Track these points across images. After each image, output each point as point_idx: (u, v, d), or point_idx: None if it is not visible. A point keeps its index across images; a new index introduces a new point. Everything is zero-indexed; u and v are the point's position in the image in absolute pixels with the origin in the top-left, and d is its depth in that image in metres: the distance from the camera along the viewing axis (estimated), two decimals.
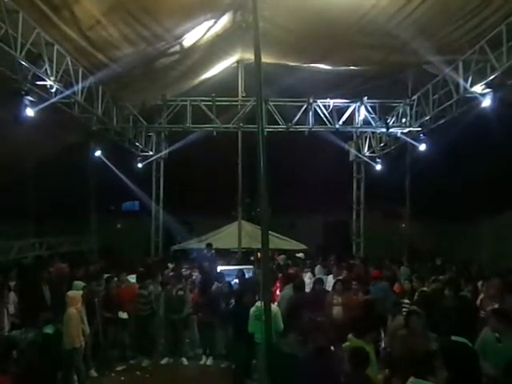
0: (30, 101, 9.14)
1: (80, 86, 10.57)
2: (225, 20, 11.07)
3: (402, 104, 14.14)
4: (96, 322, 9.89)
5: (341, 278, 10.99)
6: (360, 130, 15.58)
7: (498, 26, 8.70)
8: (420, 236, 19.91)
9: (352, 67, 13.12)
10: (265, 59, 9.11)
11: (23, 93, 8.91)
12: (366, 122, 14.62)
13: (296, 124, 14.50)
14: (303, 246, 17.22)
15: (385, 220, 22.94)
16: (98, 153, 14.82)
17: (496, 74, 9.18)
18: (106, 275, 11.28)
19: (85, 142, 15.11)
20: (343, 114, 14.44)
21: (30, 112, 9.17)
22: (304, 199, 20.05)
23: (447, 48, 10.18)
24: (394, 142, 15.86)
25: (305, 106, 14.30)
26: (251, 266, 13.33)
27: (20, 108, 8.95)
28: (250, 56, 12.30)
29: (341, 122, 14.44)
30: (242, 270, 12.33)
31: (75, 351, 8.69)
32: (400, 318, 7.62)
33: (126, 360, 10.53)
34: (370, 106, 14.46)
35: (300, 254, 16.10)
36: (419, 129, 13.79)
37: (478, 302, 8.69)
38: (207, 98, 14.43)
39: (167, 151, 17.65)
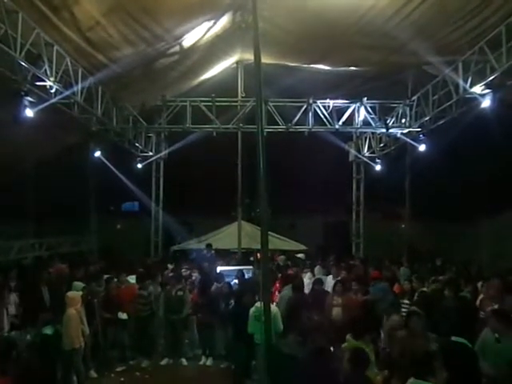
0: (30, 101, 9.14)
1: (80, 86, 10.57)
2: (224, 20, 11.07)
3: (401, 104, 14.14)
4: (95, 323, 9.89)
5: (340, 278, 10.98)
6: (360, 130, 15.58)
7: (498, 26, 8.70)
8: (420, 236, 19.90)
9: (352, 68, 13.12)
10: (264, 60, 9.12)
11: (23, 93, 8.90)
12: (365, 123, 14.61)
13: (296, 124, 14.49)
14: (303, 247, 17.22)
15: (384, 220, 22.94)
16: (97, 153, 14.81)
17: (496, 75, 9.18)
18: (105, 276, 11.29)
19: (84, 143, 15.11)
20: (343, 115, 14.43)
21: (29, 112, 9.17)
22: (304, 200, 20.07)
23: (447, 49, 10.18)
24: (394, 142, 15.86)
25: (304, 106, 14.29)
26: (251, 267, 13.32)
27: (20, 108, 8.94)
28: (249, 56, 12.31)
29: (340, 123, 14.43)
30: (241, 270, 12.34)
31: (75, 352, 8.70)
32: (395, 317, 7.63)
33: (125, 361, 10.53)
34: (370, 107, 14.46)
35: (300, 255, 16.12)
36: (419, 129, 13.79)
37: (478, 302, 8.69)
38: (207, 99, 14.43)
39: (167, 152, 17.65)
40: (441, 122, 12.58)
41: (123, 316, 10.47)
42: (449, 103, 11.42)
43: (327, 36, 10.67)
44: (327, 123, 14.44)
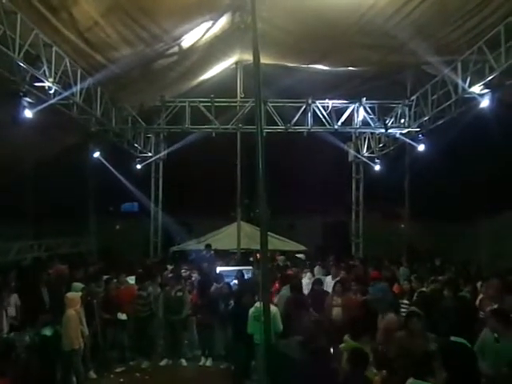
0: (29, 102, 9.14)
1: (78, 87, 10.57)
2: (223, 21, 11.08)
3: (400, 105, 14.16)
4: (95, 324, 9.87)
5: (339, 278, 10.97)
6: (359, 130, 15.61)
7: (497, 26, 8.71)
8: (419, 236, 19.90)
9: (351, 68, 13.13)
10: (263, 60, 9.11)
11: (21, 94, 8.91)
12: (364, 123, 14.62)
13: (295, 125, 14.51)
14: (302, 247, 17.21)
15: (384, 220, 22.94)
16: (96, 154, 14.81)
17: (494, 75, 9.20)
18: (105, 276, 11.28)
19: (84, 143, 15.10)
20: (342, 115, 14.45)
21: (28, 113, 9.17)
22: (303, 200, 20.08)
23: (446, 48, 10.19)
24: (393, 142, 15.88)
25: (304, 106, 14.31)
26: (250, 267, 13.32)
27: (18, 109, 8.94)
28: (248, 57, 12.34)
29: (340, 123, 14.45)
30: (241, 270, 12.33)
31: (74, 353, 8.67)
32: (391, 316, 7.62)
33: (125, 361, 10.50)
34: (369, 107, 14.47)
35: (300, 255, 16.11)
36: (418, 129, 13.81)
37: (477, 302, 8.67)
38: (206, 99, 14.44)
39: (166, 152, 17.66)
40: (440, 122, 12.60)
41: (122, 317, 10.45)
42: (448, 103, 11.43)
43: (327, 36, 10.68)
44: (326, 123, 14.46)
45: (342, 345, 6.51)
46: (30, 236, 17.81)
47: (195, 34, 10.97)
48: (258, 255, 12.77)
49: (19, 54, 8.10)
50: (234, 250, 15.91)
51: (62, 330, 8.59)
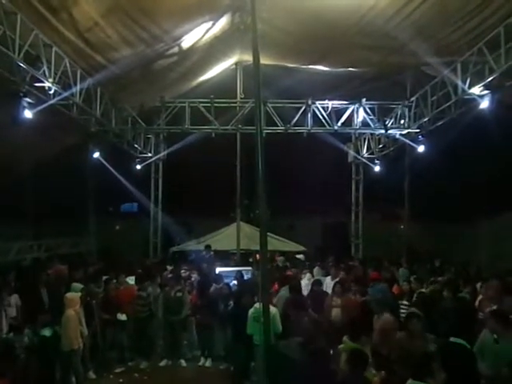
0: (29, 102, 9.14)
1: (78, 87, 10.56)
2: (223, 22, 11.08)
3: (400, 105, 14.16)
4: (94, 324, 9.87)
5: (338, 279, 10.97)
6: (358, 131, 15.61)
7: (497, 27, 8.71)
8: (419, 237, 19.89)
9: (350, 69, 13.13)
10: (263, 61, 9.12)
11: (21, 94, 8.91)
12: (364, 124, 14.61)
13: (294, 125, 14.50)
14: (302, 248, 17.21)
15: (383, 221, 22.95)
16: (96, 154, 14.82)
17: (494, 76, 9.20)
18: (104, 277, 11.28)
19: (83, 144, 15.10)
20: (342, 116, 14.44)
21: (28, 114, 9.17)
22: (303, 201, 20.07)
23: (445, 49, 10.19)
24: (393, 143, 15.87)
25: (303, 107, 14.30)
26: (250, 268, 13.32)
27: (18, 110, 8.94)
28: (248, 58, 12.33)
29: (339, 124, 14.45)
30: (240, 271, 12.33)
31: (73, 353, 8.67)
32: (387, 316, 7.62)
33: (124, 362, 10.51)
34: (369, 108, 14.46)
35: (300, 256, 16.10)
36: (418, 130, 13.80)
37: (477, 303, 8.69)
38: (206, 100, 14.43)
39: (166, 153, 17.66)
40: (440, 123, 12.60)
41: (122, 317, 10.45)
42: (447, 104, 11.43)
43: (326, 37, 10.68)
44: (326, 124, 14.45)
45: (341, 346, 6.50)
46: (30, 236, 17.80)
47: (195, 35, 10.97)
48: (257, 256, 12.78)
49: (19, 54, 8.10)
50: (234, 251, 15.91)
51: (62, 330, 8.60)
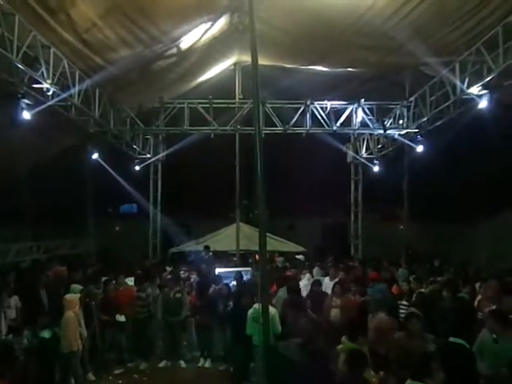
0: (27, 104, 9.15)
1: (77, 88, 10.55)
2: (222, 22, 11.07)
3: (399, 106, 14.17)
4: (93, 325, 9.86)
5: (337, 279, 10.97)
6: (357, 131, 15.62)
7: (495, 27, 8.72)
8: (418, 237, 19.90)
9: (349, 69, 13.13)
10: (262, 61, 9.11)
11: (20, 96, 8.91)
12: (363, 124, 14.63)
13: (293, 126, 14.52)
14: (301, 248, 17.20)
15: (383, 222, 22.93)
16: (95, 155, 14.82)
17: (492, 76, 9.20)
18: (103, 278, 11.27)
19: (82, 145, 15.10)
20: (340, 116, 14.46)
21: (26, 115, 9.17)
22: (302, 201, 20.06)
23: (444, 49, 10.20)
24: (392, 143, 15.87)
25: (302, 107, 14.32)
26: (249, 268, 13.31)
27: (16, 111, 8.95)
28: (247, 58, 12.34)
29: (338, 124, 14.46)
30: (239, 272, 12.32)
31: (73, 354, 8.67)
32: (382, 316, 7.62)
33: (123, 363, 10.51)
34: (368, 108, 14.47)
35: (300, 256, 16.09)
36: (416, 130, 13.81)
37: (476, 303, 8.68)
38: (204, 101, 14.43)
39: (165, 153, 17.65)
40: (438, 123, 12.60)
41: (121, 318, 10.45)
42: (446, 104, 11.43)
43: (325, 37, 10.68)
44: (325, 124, 14.47)
45: (340, 346, 6.50)
46: (29, 238, 17.77)
47: (194, 36, 10.96)
48: (256, 256, 12.77)
49: (17, 55, 8.09)
50: (233, 252, 15.90)
51: (61, 331, 8.59)
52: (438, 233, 20.52)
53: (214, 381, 9.93)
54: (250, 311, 8.58)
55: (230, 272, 12.90)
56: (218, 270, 13.21)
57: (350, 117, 14.56)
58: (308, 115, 14.34)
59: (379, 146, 16.64)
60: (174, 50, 11.35)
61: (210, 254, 14.79)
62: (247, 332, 8.55)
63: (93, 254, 19.05)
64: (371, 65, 12.28)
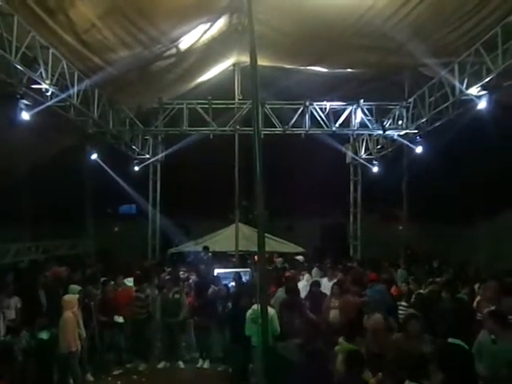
0: (26, 104, 9.15)
1: (76, 89, 10.56)
2: (221, 23, 11.07)
3: (398, 106, 14.17)
4: (92, 326, 9.85)
5: (335, 280, 10.97)
6: (356, 132, 15.61)
7: (494, 28, 8.72)
8: (417, 238, 19.87)
9: (348, 70, 13.13)
10: (261, 62, 9.11)
11: (18, 96, 8.91)
12: (362, 125, 14.63)
13: (292, 126, 14.51)
14: (300, 249, 17.20)
15: (382, 222, 22.90)
16: (94, 156, 14.80)
17: (491, 76, 9.20)
18: (102, 278, 11.26)
19: (81, 145, 15.07)
20: (340, 117, 14.46)
21: (25, 115, 9.18)
22: (301, 202, 20.02)
23: (443, 50, 10.20)
24: (391, 144, 15.87)
25: (301, 108, 14.32)
26: (248, 269, 13.30)
27: (15, 112, 8.95)
28: (246, 59, 12.28)
29: (337, 125, 14.47)
30: (238, 272, 12.31)
31: (71, 355, 8.66)
32: (377, 316, 7.62)
33: (122, 364, 10.50)
34: (367, 109, 14.47)
35: (299, 257, 16.08)
36: (416, 131, 13.81)
37: (475, 304, 8.68)
38: (204, 101, 14.43)
39: (164, 154, 17.65)
40: (437, 124, 12.60)
41: (119, 319, 10.44)
42: (445, 105, 11.44)
43: (324, 38, 10.68)
44: (324, 125, 14.47)
45: (337, 347, 6.49)
46: (28, 238, 17.76)
47: (193, 36, 10.96)
48: (255, 257, 12.76)
49: (16, 56, 8.08)
50: (232, 252, 15.89)
51: (59, 332, 8.59)
52: (437, 233, 20.51)
53: (213, 382, 9.93)
54: (249, 312, 8.56)
55: (228, 273, 12.90)
56: (216, 271, 13.20)
57: (349, 117, 14.56)
58: (307, 116, 14.34)
59: (378, 147, 16.64)
60: (173, 51, 11.35)
61: (209, 254, 14.81)
62: (246, 333, 8.54)
63: (92, 254, 19.01)
64: (370, 65, 12.29)
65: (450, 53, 10.26)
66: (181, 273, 12.59)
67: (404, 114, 14.00)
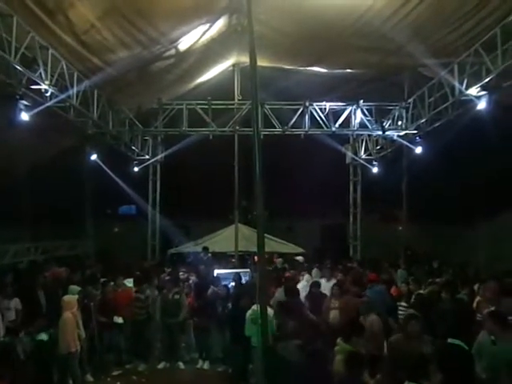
0: (25, 105, 9.14)
1: (75, 89, 10.55)
2: (220, 24, 11.07)
3: (397, 107, 14.17)
4: (92, 327, 9.84)
5: (335, 281, 10.96)
6: (356, 132, 15.60)
7: (493, 28, 8.72)
8: (417, 239, 19.87)
9: (348, 70, 13.14)
10: (260, 62, 9.09)
11: (18, 97, 8.90)
12: (362, 125, 14.62)
13: (292, 127, 14.51)
14: (300, 249, 17.18)
15: (381, 223, 22.90)
16: (93, 156, 14.80)
17: (491, 77, 9.20)
18: (102, 279, 11.26)
19: (80, 146, 15.07)
20: (339, 117, 14.45)
21: (24, 116, 9.18)
22: (301, 202, 20.02)
23: (442, 51, 10.20)
24: (391, 144, 15.86)
25: (301, 109, 14.32)
26: (248, 270, 13.30)
27: (15, 112, 8.94)
28: (245, 59, 12.28)
29: (337, 125, 14.46)
30: (238, 273, 12.30)
31: (71, 356, 8.65)
32: (373, 318, 7.61)
33: (122, 364, 10.50)
34: (366, 109, 14.46)
35: (299, 257, 16.08)
36: (415, 131, 13.81)
37: (475, 304, 8.67)
38: (203, 102, 14.43)
39: (163, 155, 17.64)
40: (437, 124, 12.60)
41: (118, 320, 10.43)
42: (445, 105, 11.43)
43: (323, 38, 10.68)
44: (324, 126, 14.46)
45: (337, 347, 6.48)
46: (27, 239, 17.75)
47: (192, 37, 10.96)
48: (255, 257, 12.76)
49: (15, 56, 8.09)
50: (232, 253, 15.89)
51: (59, 333, 8.59)
52: (437, 234, 20.51)
53: (213, 382, 9.94)
54: (249, 312, 8.57)
55: (228, 273, 12.89)
56: (216, 272, 13.19)
57: (348, 118, 14.55)
58: (307, 116, 14.34)
59: (378, 147, 16.64)
60: (173, 52, 11.34)
61: (209, 255, 14.78)
62: (246, 333, 8.54)
63: (91, 255, 19.02)
64: (370, 66, 12.29)
65: (449, 53, 10.27)
66: (180, 273, 12.57)
67: (404, 114, 14.00)
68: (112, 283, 11.06)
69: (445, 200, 19.09)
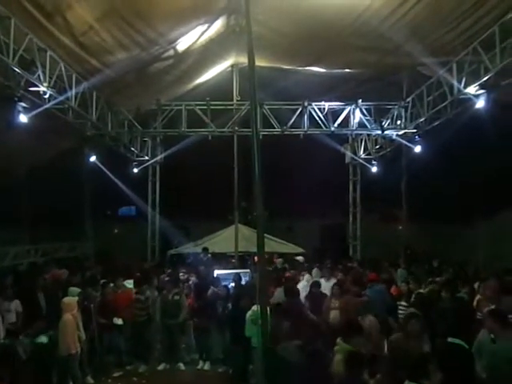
0: (24, 107, 9.14)
1: (74, 91, 10.54)
2: (219, 24, 11.06)
3: (396, 106, 14.15)
4: (92, 328, 9.84)
5: (335, 280, 10.96)
6: (355, 132, 15.57)
7: (491, 27, 8.72)
8: (416, 238, 19.89)
9: (346, 70, 13.13)
10: (259, 63, 9.12)
11: (16, 99, 8.90)
12: (361, 125, 14.60)
13: (291, 127, 14.50)
14: (300, 249, 17.18)
15: (381, 222, 22.93)
16: (93, 158, 14.80)
17: (490, 75, 9.20)
18: (102, 281, 11.25)
19: (79, 148, 15.07)
20: (338, 117, 14.43)
21: (23, 118, 9.17)
22: (300, 202, 20.03)
23: (441, 50, 10.20)
24: (390, 144, 15.87)
25: (300, 109, 14.30)
26: (248, 270, 13.29)
27: (13, 114, 8.94)
28: (244, 60, 12.19)
29: (336, 125, 14.44)
30: (238, 273, 12.29)
31: (71, 358, 8.65)
32: (370, 319, 7.61)
33: (122, 366, 10.49)
34: (365, 109, 14.45)
35: (299, 258, 16.08)
36: (414, 131, 13.81)
37: (475, 303, 8.68)
38: (202, 102, 14.41)
39: (163, 156, 17.65)
40: (436, 123, 12.60)
41: (118, 321, 10.42)
42: (443, 104, 11.43)
43: (322, 38, 10.67)
44: (323, 125, 14.44)
45: (337, 347, 6.48)
46: (27, 241, 17.76)
47: (190, 38, 10.95)
48: (255, 258, 12.75)
49: (13, 59, 8.08)
50: (232, 253, 15.88)
51: (59, 334, 8.58)
52: (437, 233, 20.54)
53: (213, 383, 9.93)
54: (249, 313, 8.56)
55: (228, 274, 12.88)
56: (216, 272, 13.18)
57: (347, 117, 14.53)
58: (306, 116, 14.32)
59: (377, 147, 16.64)
60: (171, 52, 11.34)
61: (209, 255, 14.77)
62: (246, 334, 8.54)
63: (91, 256, 19.02)
64: (368, 65, 12.28)
65: (447, 52, 10.26)
66: (180, 274, 12.56)
67: (402, 113, 13.99)
68: (112, 284, 11.06)
69: (444, 199, 19.13)
